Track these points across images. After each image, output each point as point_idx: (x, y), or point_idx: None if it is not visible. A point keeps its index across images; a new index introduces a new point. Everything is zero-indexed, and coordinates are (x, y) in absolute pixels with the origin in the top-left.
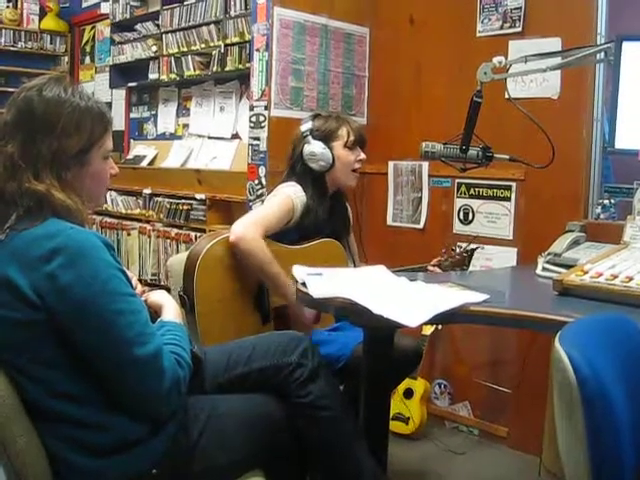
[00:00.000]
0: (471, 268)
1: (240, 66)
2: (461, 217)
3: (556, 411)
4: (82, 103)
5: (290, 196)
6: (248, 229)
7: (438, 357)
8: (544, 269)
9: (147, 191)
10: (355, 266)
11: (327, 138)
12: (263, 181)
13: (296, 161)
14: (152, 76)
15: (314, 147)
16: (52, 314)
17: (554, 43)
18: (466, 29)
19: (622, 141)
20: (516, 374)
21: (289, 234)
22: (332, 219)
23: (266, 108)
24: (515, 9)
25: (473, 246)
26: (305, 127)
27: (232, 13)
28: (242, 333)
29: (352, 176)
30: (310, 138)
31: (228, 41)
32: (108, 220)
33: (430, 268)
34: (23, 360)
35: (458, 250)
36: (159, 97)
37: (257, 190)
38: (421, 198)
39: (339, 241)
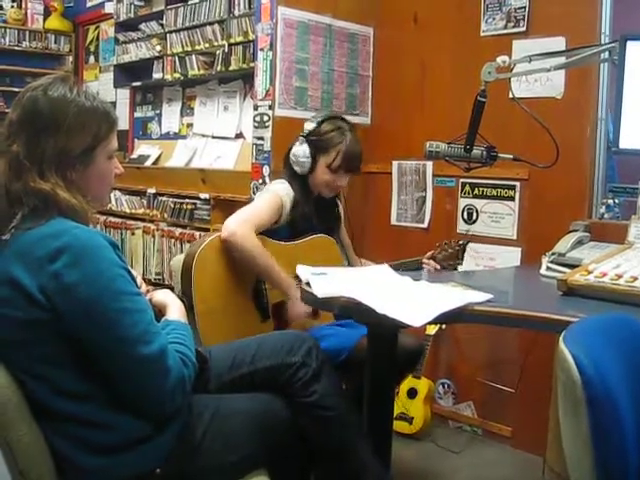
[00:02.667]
0: (475, 267)
1: (244, 66)
2: (465, 217)
3: (560, 411)
4: (87, 103)
5: (279, 194)
6: (239, 226)
7: (442, 357)
8: (548, 269)
9: (151, 191)
10: (349, 261)
11: (317, 149)
12: (267, 180)
13: (286, 158)
14: (156, 76)
15: (298, 150)
16: (57, 313)
17: (558, 42)
18: (470, 28)
19: (626, 141)
20: (520, 374)
21: (281, 231)
22: (321, 216)
23: (270, 108)
24: (519, 8)
25: (466, 239)
26: (306, 127)
27: (236, 13)
28: (242, 331)
29: (327, 190)
30: (302, 139)
31: (232, 41)
32: (112, 220)
33: (425, 261)
34: (28, 359)
35: (452, 244)
36: (163, 97)
37: (261, 190)
38: (425, 198)
39: (331, 237)
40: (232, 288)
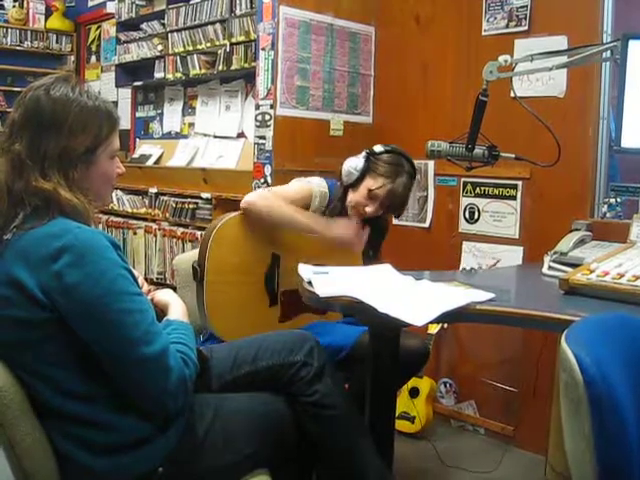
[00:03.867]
0: (476, 267)
1: (246, 65)
2: (467, 216)
3: (562, 411)
4: (89, 102)
5: (312, 185)
6: (259, 195)
7: (444, 356)
8: (550, 268)
9: (153, 190)
10: None
11: (368, 170)
12: (269, 180)
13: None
14: (158, 75)
15: (351, 163)
16: (59, 313)
17: (560, 41)
18: (472, 28)
19: (628, 140)
20: (522, 373)
21: None
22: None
23: (272, 107)
24: (521, 7)
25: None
26: (375, 148)
27: (238, 12)
28: (248, 311)
29: (353, 210)
30: (364, 154)
31: (234, 40)
32: (114, 219)
33: None
34: (30, 359)
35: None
36: (165, 96)
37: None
38: (427, 197)
39: None
40: (245, 267)
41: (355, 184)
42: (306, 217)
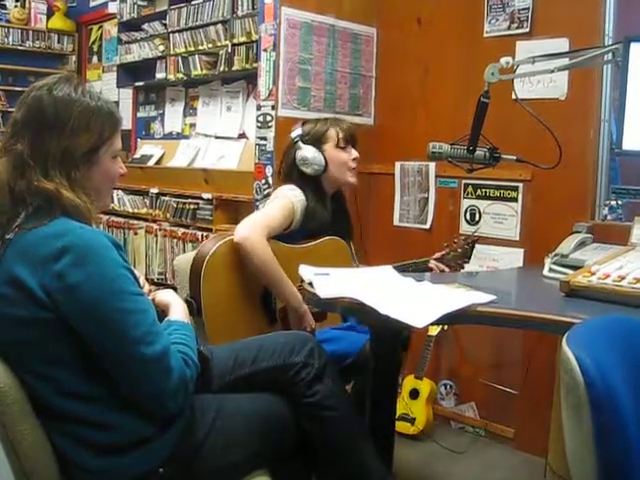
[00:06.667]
0: (478, 269)
1: (247, 66)
2: (468, 218)
3: (563, 413)
4: (92, 103)
5: (291, 199)
6: (253, 230)
7: (444, 358)
8: (551, 270)
9: (154, 190)
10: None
11: (317, 141)
12: (270, 181)
13: (291, 168)
14: (159, 75)
15: (306, 152)
16: (60, 313)
17: (562, 44)
18: (473, 29)
19: (630, 142)
20: (522, 375)
21: (293, 235)
22: (335, 221)
23: (273, 108)
24: (523, 9)
25: (475, 237)
26: (295, 133)
27: (239, 13)
28: (249, 334)
29: (350, 174)
30: (300, 144)
31: (235, 41)
32: (115, 219)
33: (432, 264)
34: (31, 359)
35: (461, 242)
36: (166, 96)
37: (264, 190)
38: (428, 199)
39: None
40: (241, 291)
41: (326, 162)
42: (290, 289)
